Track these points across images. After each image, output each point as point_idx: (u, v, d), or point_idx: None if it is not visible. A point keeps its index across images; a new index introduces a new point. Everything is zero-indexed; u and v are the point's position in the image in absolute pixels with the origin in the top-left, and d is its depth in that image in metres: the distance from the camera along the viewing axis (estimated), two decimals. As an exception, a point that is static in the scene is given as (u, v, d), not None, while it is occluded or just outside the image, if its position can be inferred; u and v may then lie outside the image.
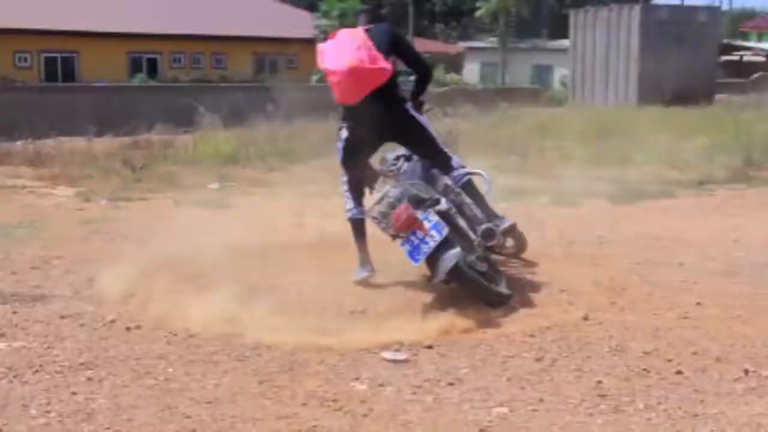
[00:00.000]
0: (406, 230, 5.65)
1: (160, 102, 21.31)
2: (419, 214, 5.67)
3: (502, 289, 5.90)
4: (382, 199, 5.93)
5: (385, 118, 6.13)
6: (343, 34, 6.26)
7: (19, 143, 14.82)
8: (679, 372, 4.73)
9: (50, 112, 18.25)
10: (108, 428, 3.99)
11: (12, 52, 32.84)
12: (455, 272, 5.63)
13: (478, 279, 5.74)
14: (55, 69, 34.06)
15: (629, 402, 4.35)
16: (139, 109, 19.15)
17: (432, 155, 6.50)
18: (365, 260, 6.37)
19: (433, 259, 5.68)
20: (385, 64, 6.04)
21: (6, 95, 20.11)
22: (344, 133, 6.42)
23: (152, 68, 36.31)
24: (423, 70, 6.51)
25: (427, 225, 5.62)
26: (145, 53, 36.29)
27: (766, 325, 5.48)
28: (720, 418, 4.16)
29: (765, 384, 4.58)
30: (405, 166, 6.63)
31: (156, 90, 27.61)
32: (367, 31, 6.22)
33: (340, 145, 6.50)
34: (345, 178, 6.53)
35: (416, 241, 5.62)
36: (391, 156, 6.90)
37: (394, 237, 5.89)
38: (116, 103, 21.61)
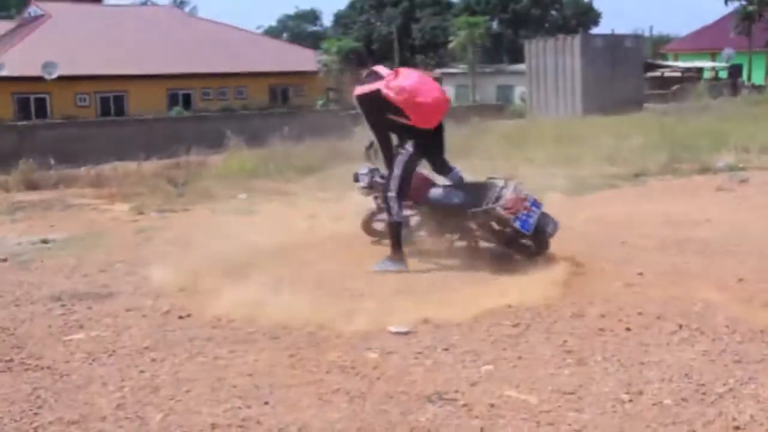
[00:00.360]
0: (518, 211, 6.17)
1: (194, 129, 21.22)
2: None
3: None
4: (499, 198, 6.32)
5: (441, 136, 6.57)
6: (412, 74, 6.50)
7: (82, 169, 14.73)
8: (628, 329, 4.76)
9: (107, 141, 18.18)
10: (171, 398, 4.01)
11: (74, 94, 32.77)
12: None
13: None
14: (108, 106, 33.97)
15: (590, 355, 4.38)
16: (178, 136, 19.04)
17: (444, 162, 6.66)
18: (401, 258, 6.42)
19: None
20: None
21: (72, 130, 19.99)
22: (411, 148, 6.44)
23: (186, 101, 36.21)
24: None
25: (528, 204, 6.25)
26: (180, 89, 36.20)
27: (693, 288, 5.50)
28: (661, 364, 4.20)
29: (695, 335, 4.62)
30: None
31: (190, 120, 27.47)
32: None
33: (402, 158, 6.47)
34: (396, 185, 6.47)
35: (524, 217, 6.20)
36: (364, 171, 6.97)
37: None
38: (159, 132, 21.52)
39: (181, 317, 5.39)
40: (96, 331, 5.16)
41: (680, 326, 4.77)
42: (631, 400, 3.79)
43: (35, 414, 3.86)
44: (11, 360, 4.65)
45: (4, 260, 7.33)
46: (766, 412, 3.58)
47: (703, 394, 3.82)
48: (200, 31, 39.56)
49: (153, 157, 16.01)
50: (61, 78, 30.03)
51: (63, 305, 5.78)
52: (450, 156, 13.42)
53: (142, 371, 4.41)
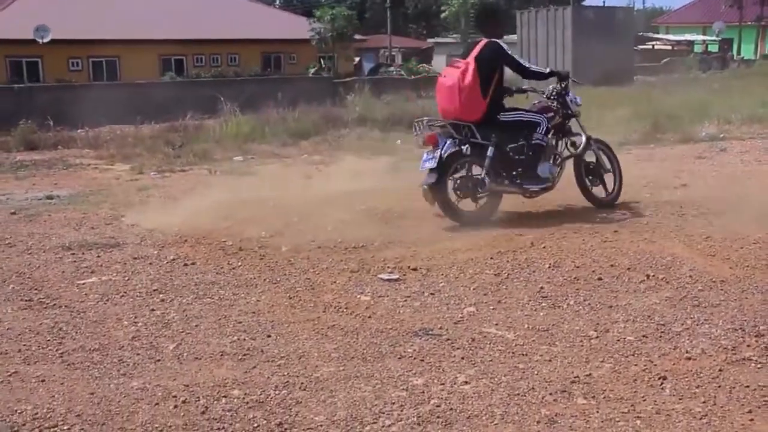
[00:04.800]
0: None
1: (188, 94, 21.33)
2: None
3: None
4: None
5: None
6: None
7: (80, 131, 14.98)
8: (600, 279, 5.17)
9: (102, 105, 18.30)
10: (182, 331, 4.41)
11: (66, 58, 32.77)
12: None
13: None
14: (101, 71, 33.95)
15: (563, 300, 4.79)
16: (172, 101, 19.19)
17: None
18: None
19: None
20: None
21: (67, 93, 20.18)
22: None
23: (179, 67, 36.22)
24: None
25: None
26: (173, 55, 36.18)
27: (664, 244, 5.90)
28: (627, 308, 4.62)
29: (661, 284, 5.03)
30: None
31: (184, 85, 27.57)
32: None
33: None
34: None
35: None
36: None
37: None
38: (153, 97, 21.66)
39: (186, 265, 5.77)
40: (107, 276, 5.54)
41: (648, 276, 5.17)
42: (597, 337, 4.20)
43: (59, 343, 4.25)
44: (30, 300, 5.04)
45: (14, 213, 7.67)
46: (716, 347, 4.00)
47: (663, 332, 4.24)
48: (193, -4, 39.48)
49: (148, 121, 16.21)
50: (53, 42, 30.01)
51: (73, 254, 6.15)
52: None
53: (153, 309, 4.80)
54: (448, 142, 6.57)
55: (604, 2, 46.08)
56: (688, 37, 44.52)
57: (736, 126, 13.62)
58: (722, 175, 9.04)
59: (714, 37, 42.16)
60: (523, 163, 6.88)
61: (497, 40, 6.84)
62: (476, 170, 6.79)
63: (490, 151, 6.68)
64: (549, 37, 28.41)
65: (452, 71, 6.71)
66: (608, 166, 7.49)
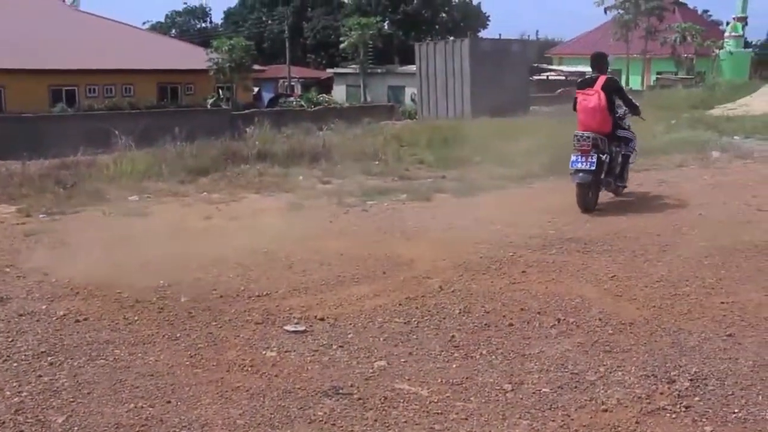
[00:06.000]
0: None
1: (79, 128, 20.62)
2: None
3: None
4: None
5: None
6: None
7: (-40, 168, 14.08)
8: (511, 324, 5.12)
9: (-16, 140, 17.46)
10: (72, 401, 4.08)
11: (-57, 87, 31.26)
12: None
13: None
14: (-16, 102, 32.53)
15: (476, 349, 4.71)
16: (63, 134, 18.47)
17: None
18: None
19: None
20: None
21: (-55, 127, 19.20)
22: None
23: (70, 98, 35.02)
24: None
25: None
26: (64, 86, 34.97)
27: (572, 284, 5.94)
28: (540, 356, 4.57)
29: (572, 328, 5.02)
30: None
31: (76, 118, 26.70)
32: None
33: None
34: None
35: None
36: None
37: None
38: (43, 130, 20.84)
39: (77, 321, 5.39)
40: (-12, 337, 5.11)
41: (558, 320, 5.16)
42: (513, 390, 4.12)
43: (-69, 421, 3.86)
44: None
45: None
46: (631, 397, 3.99)
47: (577, 382, 4.20)
48: (85, 25, 38.44)
49: (37, 157, 15.40)
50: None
51: (-50, 311, 5.67)
52: (340, 156, 13.71)
53: (40, 375, 4.43)
54: (594, 151, 8.79)
55: (500, 35, 47.45)
56: (580, 68, 46.07)
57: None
58: (623, 209, 9.23)
59: (604, 68, 43.84)
60: (617, 168, 9.34)
61: (614, 77, 9.34)
62: None
63: (606, 158, 8.97)
64: (447, 68, 28.83)
65: (589, 97, 8.95)
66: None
